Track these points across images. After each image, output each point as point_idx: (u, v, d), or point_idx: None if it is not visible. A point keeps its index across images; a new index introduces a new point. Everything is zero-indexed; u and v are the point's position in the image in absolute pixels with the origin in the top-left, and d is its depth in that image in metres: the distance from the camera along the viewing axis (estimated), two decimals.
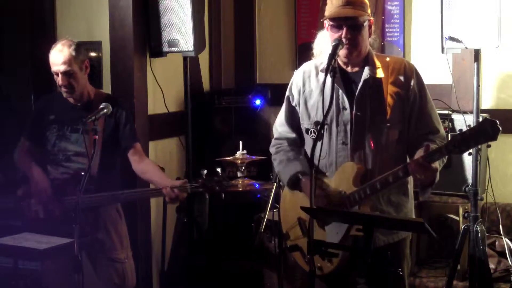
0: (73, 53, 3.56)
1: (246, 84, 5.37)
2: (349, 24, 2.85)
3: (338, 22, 2.87)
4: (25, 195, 3.61)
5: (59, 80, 3.58)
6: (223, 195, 3.51)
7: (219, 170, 3.53)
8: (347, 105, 2.94)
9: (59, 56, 3.56)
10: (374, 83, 2.93)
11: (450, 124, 4.19)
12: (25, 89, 4.67)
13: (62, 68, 3.55)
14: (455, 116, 4.23)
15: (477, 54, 3.80)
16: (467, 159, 4.09)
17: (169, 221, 4.61)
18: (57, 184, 3.58)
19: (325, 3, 2.97)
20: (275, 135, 3.22)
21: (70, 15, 4.58)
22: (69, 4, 4.59)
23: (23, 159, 3.75)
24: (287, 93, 3.17)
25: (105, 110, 3.31)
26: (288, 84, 3.19)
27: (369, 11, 2.93)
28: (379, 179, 2.81)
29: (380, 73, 2.93)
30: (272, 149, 3.21)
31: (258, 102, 4.99)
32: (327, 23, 2.92)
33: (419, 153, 2.74)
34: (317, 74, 3.04)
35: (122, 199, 3.65)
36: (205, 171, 3.48)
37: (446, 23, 3.77)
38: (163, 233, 4.55)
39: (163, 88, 4.62)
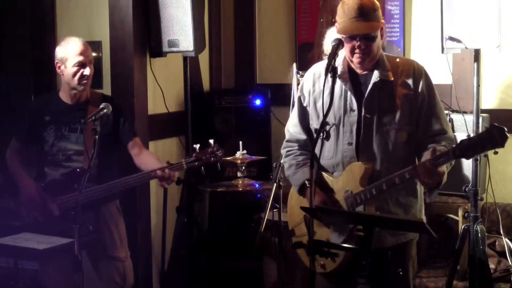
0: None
1: (246, 84, 5.36)
2: (363, 36, 2.85)
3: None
4: (18, 204, 3.58)
5: (84, 71, 3.55)
6: (219, 166, 3.48)
7: (211, 141, 3.49)
8: (355, 106, 2.94)
9: (85, 46, 3.57)
10: (383, 85, 2.93)
11: (450, 124, 4.18)
12: (25, 89, 4.67)
13: (91, 57, 3.59)
14: (455, 116, 4.23)
15: (477, 54, 3.80)
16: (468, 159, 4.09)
17: (169, 221, 4.60)
18: (56, 184, 3.57)
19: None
20: (287, 136, 3.23)
21: (70, 15, 4.58)
22: (69, 4, 4.58)
23: (13, 162, 3.72)
24: (298, 94, 3.19)
25: (105, 110, 3.28)
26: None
27: (380, 14, 2.90)
28: (386, 180, 2.82)
29: (390, 76, 2.93)
30: (283, 151, 3.22)
31: (258, 102, 5.00)
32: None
33: (426, 156, 2.74)
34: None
35: (118, 187, 3.51)
36: (198, 145, 3.45)
37: (446, 23, 3.76)
38: (163, 233, 4.54)
39: (163, 88, 4.62)
